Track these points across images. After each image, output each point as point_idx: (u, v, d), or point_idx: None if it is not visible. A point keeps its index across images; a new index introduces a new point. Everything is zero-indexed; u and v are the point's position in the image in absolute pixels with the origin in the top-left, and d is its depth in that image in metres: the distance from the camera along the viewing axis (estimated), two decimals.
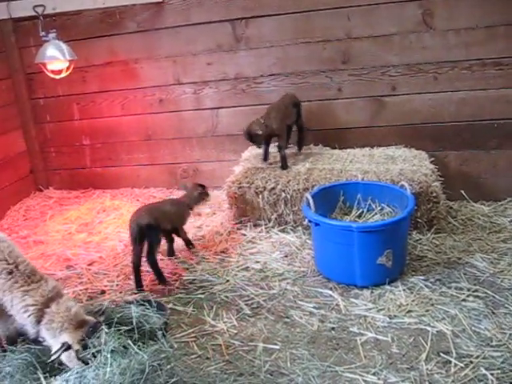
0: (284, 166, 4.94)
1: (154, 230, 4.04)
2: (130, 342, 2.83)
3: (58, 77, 5.29)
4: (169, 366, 2.91)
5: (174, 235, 4.51)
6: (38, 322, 2.93)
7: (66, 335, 2.86)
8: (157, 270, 4.07)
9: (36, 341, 3.06)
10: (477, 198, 5.05)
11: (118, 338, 2.83)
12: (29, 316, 2.94)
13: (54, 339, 2.91)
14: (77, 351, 2.83)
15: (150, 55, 5.69)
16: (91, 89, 5.98)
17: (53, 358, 2.84)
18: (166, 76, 5.72)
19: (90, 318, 2.98)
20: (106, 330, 2.84)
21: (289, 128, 5.10)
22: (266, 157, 5.13)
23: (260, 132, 4.81)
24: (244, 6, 5.25)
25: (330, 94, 5.31)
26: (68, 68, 5.25)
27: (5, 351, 3.18)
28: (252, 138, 4.87)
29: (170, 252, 4.52)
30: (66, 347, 2.82)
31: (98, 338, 2.82)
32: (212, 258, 4.42)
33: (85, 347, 2.82)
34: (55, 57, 5.05)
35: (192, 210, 4.58)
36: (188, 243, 4.60)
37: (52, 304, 2.93)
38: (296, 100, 5.07)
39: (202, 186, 4.64)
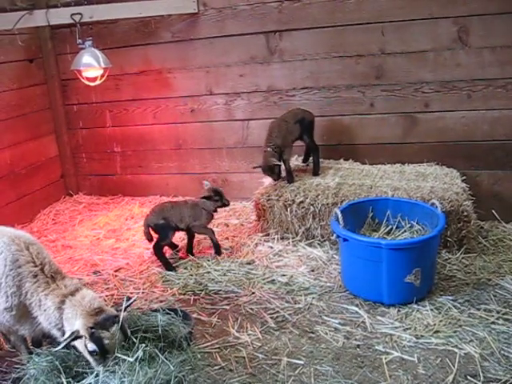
0: (290, 180, 4.94)
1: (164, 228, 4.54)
2: (157, 351, 2.82)
3: (92, 84, 5.37)
4: (192, 377, 2.91)
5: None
6: (61, 318, 2.93)
7: (78, 321, 2.82)
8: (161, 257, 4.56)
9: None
10: (509, 218, 4.96)
11: (146, 346, 2.82)
12: (51, 313, 2.95)
13: (70, 329, 2.87)
14: (84, 338, 2.76)
15: (183, 65, 5.75)
16: (124, 97, 6.07)
17: (61, 346, 2.78)
18: (198, 86, 5.77)
19: (110, 309, 2.92)
20: (134, 338, 2.83)
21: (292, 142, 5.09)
22: (278, 176, 5.02)
23: (278, 162, 4.84)
24: (278, 19, 5.28)
25: (362, 108, 5.29)
26: (102, 75, 5.33)
27: (31, 353, 3.20)
28: (273, 170, 4.87)
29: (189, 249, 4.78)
30: (76, 335, 2.76)
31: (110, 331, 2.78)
32: (238, 270, 4.42)
33: (99, 343, 2.74)
34: (90, 64, 5.13)
35: (206, 212, 4.60)
36: (217, 248, 4.66)
37: (68, 299, 2.94)
38: (300, 117, 5.02)
39: (218, 193, 4.56)
